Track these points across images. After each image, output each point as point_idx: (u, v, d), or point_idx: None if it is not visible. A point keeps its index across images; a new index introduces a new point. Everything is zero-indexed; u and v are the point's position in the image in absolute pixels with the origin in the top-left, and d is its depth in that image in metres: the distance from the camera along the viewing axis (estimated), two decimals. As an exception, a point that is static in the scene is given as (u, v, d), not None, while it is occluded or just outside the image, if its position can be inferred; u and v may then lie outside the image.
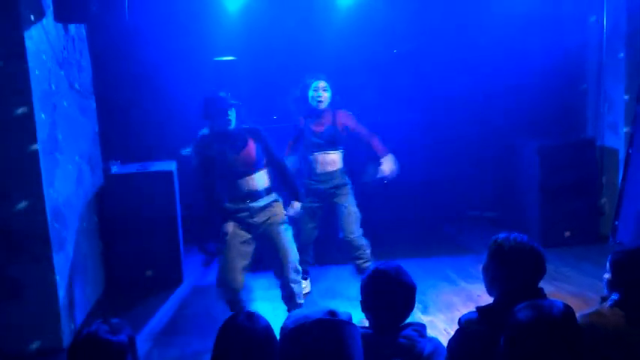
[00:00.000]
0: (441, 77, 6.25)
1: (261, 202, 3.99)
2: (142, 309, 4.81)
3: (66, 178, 4.47)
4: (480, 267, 2.47)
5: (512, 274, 2.31)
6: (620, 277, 2.33)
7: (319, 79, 4.61)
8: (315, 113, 4.64)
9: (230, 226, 3.97)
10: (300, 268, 4.11)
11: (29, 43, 3.91)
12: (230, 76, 5.97)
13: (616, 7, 5.74)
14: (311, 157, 4.70)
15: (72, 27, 4.80)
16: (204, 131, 4.13)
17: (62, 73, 4.54)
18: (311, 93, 4.62)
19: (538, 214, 5.86)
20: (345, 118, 4.71)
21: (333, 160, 4.66)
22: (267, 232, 4.02)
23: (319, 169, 4.69)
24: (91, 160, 5.18)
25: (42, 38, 4.14)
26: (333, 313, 1.85)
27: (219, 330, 1.97)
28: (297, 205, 4.19)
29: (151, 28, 5.70)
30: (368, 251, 4.65)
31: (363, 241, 4.66)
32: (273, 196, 4.08)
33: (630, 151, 5.62)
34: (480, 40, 6.17)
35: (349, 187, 4.77)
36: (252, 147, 3.97)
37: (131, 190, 5.18)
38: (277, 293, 4.62)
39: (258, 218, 3.99)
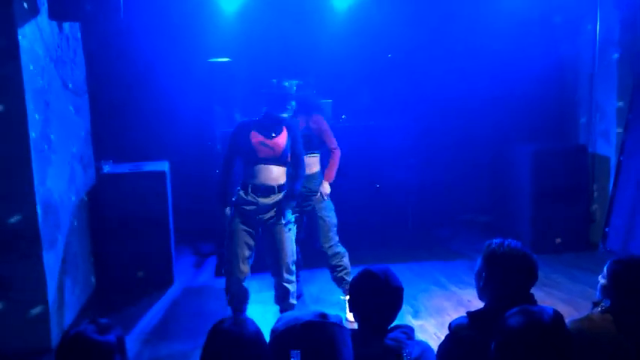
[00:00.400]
0: (435, 82, 6.28)
1: (271, 200, 3.97)
2: (133, 309, 4.79)
3: (58, 176, 4.44)
4: (472, 272, 2.48)
5: (505, 280, 2.32)
6: (616, 286, 2.34)
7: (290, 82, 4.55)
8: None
9: (236, 220, 3.99)
10: (294, 268, 4.10)
11: (23, 41, 3.89)
12: (224, 77, 5.96)
13: (609, 17, 5.79)
14: None
15: (66, 25, 4.78)
16: (245, 119, 4.16)
17: (56, 71, 4.52)
18: None
19: (529, 220, 5.89)
20: (319, 123, 4.65)
21: (308, 163, 4.53)
22: (269, 229, 4.02)
23: None
24: (84, 159, 5.16)
25: (36, 36, 4.12)
26: (323, 316, 1.85)
27: (208, 334, 1.95)
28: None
29: (146, 28, 5.70)
30: (345, 260, 4.55)
31: (340, 249, 4.56)
32: (283, 194, 4.03)
33: (621, 159, 5.66)
34: (474, 46, 6.20)
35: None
36: (284, 136, 3.96)
37: (123, 189, 5.16)
38: (268, 295, 4.62)
39: (265, 215, 3.99)
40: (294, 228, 4.08)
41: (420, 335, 2.36)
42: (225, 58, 5.80)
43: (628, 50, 5.66)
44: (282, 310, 4.09)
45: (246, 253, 4.01)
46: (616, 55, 5.75)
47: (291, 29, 5.97)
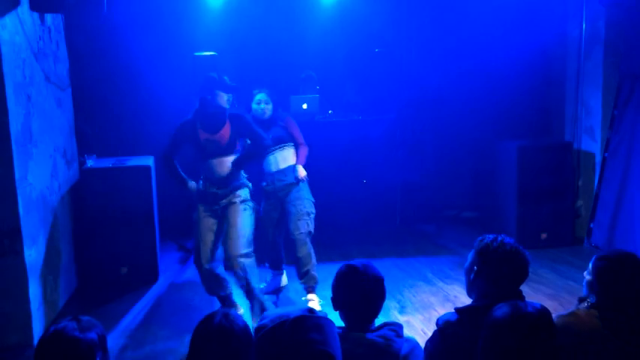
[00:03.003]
0: (422, 78, 6.28)
1: (228, 189, 4.15)
2: (117, 306, 4.74)
3: (40, 171, 4.37)
4: (458, 267, 2.47)
5: (496, 276, 2.31)
6: (601, 282, 2.34)
7: (261, 92, 4.75)
8: (261, 122, 4.65)
9: (200, 209, 4.19)
10: (249, 249, 4.08)
11: (3, 32, 3.81)
12: (210, 71, 5.90)
13: (594, 14, 5.82)
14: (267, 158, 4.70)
15: (48, 17, 4.70)
16: (187, 117, 4.25)
17: (37, 64, 4.44)
18: (254, 105, 4.74)
19: (515, 216, 5.91)
20: (291, 124, 4.81)
21: (284, 156, 4.71)
22: (226, 212, 4.15)
23: (273, 167, 4.73)
24: (67, 154, 5.08)
25: (16, 27, 4.04)
26: (311, 311, 1.83)
27: (196, 329, 1.93)
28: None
29: (131, 21, 5.62)
30: (313, 255, 4.56)
31: (309, 242, 4.57)
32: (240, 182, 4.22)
33: (606, 155, 5.70)
34: (460, 42, 6.21)
35: (301, 184, 4.72)
36: (227, 130, 4.10)
37: (107, 184, 5.09)
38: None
39: (223, 200, 4.15)
40: (249, 208, 4.18)
41: (406, 331, 2.35)
42: (211, 51, 5.75)
43: (613, 48, 5.69)
44: (247, 295, 4.12)
45: (211, 238, 4.14)
46: (601, 53, 5.78)
47: (277, 23, 5.94)
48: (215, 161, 4.12)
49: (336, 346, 1.83)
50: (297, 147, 4.81)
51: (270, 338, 1.80)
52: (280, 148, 4.73)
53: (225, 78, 4.13)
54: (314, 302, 4.48)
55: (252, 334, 1.92)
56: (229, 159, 4.13)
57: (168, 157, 4.25)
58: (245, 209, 4.14)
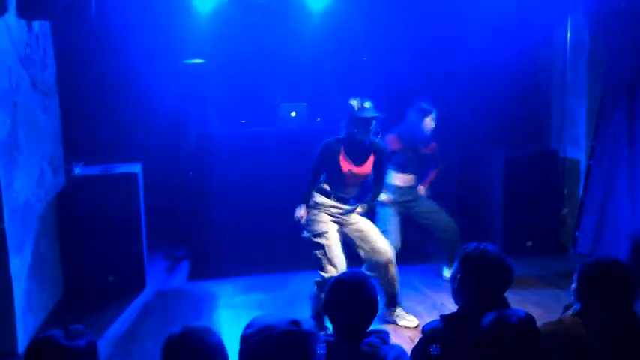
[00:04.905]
0: (409, 86, 6.30)
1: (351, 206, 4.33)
2: (103, 314, 4.70)
3: (26, 178, 4.34)
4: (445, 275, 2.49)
5: (479, 283, 2.34)
6: (584, 288, 2.37)
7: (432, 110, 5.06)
8: (422, 139, 5.07)
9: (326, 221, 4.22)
10: None
11: (-10, 39, 3.80)
12: (198, 79, 5.92)
13: (579, 25, 5.90)
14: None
15: (36, 24, 4.68)
16: (331, 139, 4.27)
17: (24, 70, 4.42)
18: (430, 122, 5.07)
19: (501, 223, 5.95)
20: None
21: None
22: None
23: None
24: (54, 161, 5.05)
25: (3, 34, 4.03)
26: (297, 323, 1.82)
27: (164, 347, 1.86)
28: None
29: (119, 28, 5.61)
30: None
31: None
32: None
33: (591, 164, 5.76)
34: (447, 50, 6.25)
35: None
36: (370, 162, 4.25)
37: (94, 192, 5.06)
38: (240, 300, 4.60)
39: (348, 217, 4.30)
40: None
41: (393, 338, 2.36)
42: (200, 59, 5.75)
43: (597, 58, 5.77)
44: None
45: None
46: (585, 63, 5.85)
47: (265, 31, 5.95)
48: (348, 187, 4.30)
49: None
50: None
51: (254, 351, 1.79)
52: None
53: (367, 105, 4.15)
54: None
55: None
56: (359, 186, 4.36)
57: (315, 176, 4.28)
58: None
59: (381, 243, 4.24)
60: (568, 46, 6.03)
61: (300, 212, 4.22)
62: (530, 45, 6.36)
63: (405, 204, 5.19)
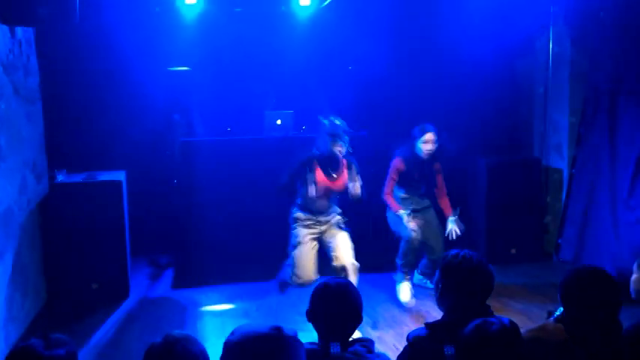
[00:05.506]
0: (394, 95, 6.34)
1: (329, 217, 4.54)
2: (87, 322, 4.66)
3: (8, 186, 4.29)
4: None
5: (460, 291, 2.35)
6: (566, 295, 2.40)
7: (430, 130, 5.03)
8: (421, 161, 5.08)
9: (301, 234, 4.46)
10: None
11: (-27, 45, 3.76)
12: (184, 86, 5.90)
13: (561, 34, 5.98)
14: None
15: (19, 30, 4.64)
16: (308, 154, 4.45)
17: (6, 77, 4.37)
18: (420, 145, 5.05)
19: (485, 231, 5.99)
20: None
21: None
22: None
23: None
24: (36, 168, 5.00)
25: (-14, 40, 3.99)
26: (278, 329, 1.82)
27: (146, 356, 1.84)
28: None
29: (104, 35, 5.58)
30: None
31: None
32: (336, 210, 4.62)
33: (573, 172, 5.83)
34: (431, 60, 6.30)
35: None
36: (344, 176, 4.41)
37: (77, 199, 5.02)
38: (227, 308, 4.56)
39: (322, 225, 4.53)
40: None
41: (378, 347, 2.36)
42: (185, 67, 5.74)
43: (578, 67, 5.86)
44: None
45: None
46: (567, 72, 5.94)
47: (251, 39, 5.96)
48: (322, 200, 4.47)
49: None
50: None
51: (232, 354, 1.78)
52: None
53: (337, 122, 4.34)
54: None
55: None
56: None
57: (289, 186, 4.49)
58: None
59: (346, 255, 4.42)
60: (550, 56, 6.11)
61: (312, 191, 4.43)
62: (513, 55, 6.44)
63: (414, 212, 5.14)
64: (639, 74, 5.19)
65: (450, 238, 5.03)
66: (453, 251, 2.42)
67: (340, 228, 4.56)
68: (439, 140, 5.11)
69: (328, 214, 4.54)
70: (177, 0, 5.65)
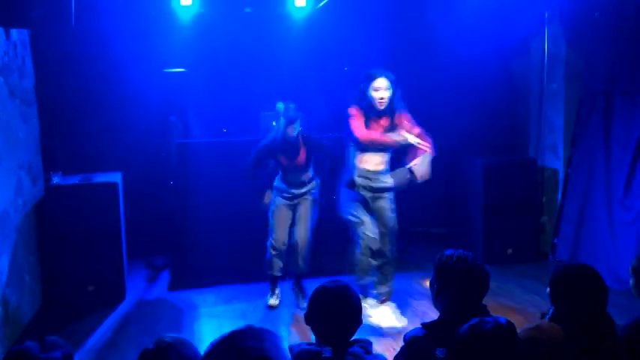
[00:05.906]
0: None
1: (303, 189, 4.92)
2: (83, 325, 4.65)
3: (3, 188, 4.28)
4: (426, 283, 2.51)
5: (456, 291, 2.35)
6: (556, 293, 2.41)
7: (381, 75, 4.27)
8: (376, 113, 4.32)
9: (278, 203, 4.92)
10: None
11: (-33, 47, 3.75)
12: (179, 87, 5.90)
13: (556, 35, 6.00)
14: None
15: (14, 32, 4.63)
16: (273, 137, 4.83)
17: (1, 78, 4.37)
18: (371, 92, 4.29)
19: (481, 231, 6.00)
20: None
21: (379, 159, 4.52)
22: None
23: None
24: (32, 170, 4.99)
25: (-19, 42, 3.98)
26: (252, 326, 1.79)
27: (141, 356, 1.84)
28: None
29: (100, 37, 5.58)
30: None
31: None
32: (313, 183, 4.97)
33: (569, 172, 5.85)
34: (427, 61, 6.31)
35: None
36: (303, 154, 4.79)
37: (73, 201, 5.01)
38: (223, 309, 4.55)
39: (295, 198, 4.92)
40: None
41: (375, 347, 2.37)
42: (181, 68, 5.73)
43: (573, 67, 5.88)
44: None
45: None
46: (562, 72, 5.95)
47: (247, 41, 5.96)
48: (294, 174, 4.91)
49: (280, 355, 1.77)
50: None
51: (210, 354, 1.76)
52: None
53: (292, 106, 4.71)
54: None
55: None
56: (306, 171, 4.91)
57: (255, 168, 4.95)
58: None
59: (298, 230, 4.89)
60: (545, 56, 6.13)
61: (265, 199, 5.03)
62: (509, 55, 6.46)
63: (370, 190, 4.48)
64: (633, 75, 5.22)
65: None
66: (449, 251, 2.43)
67: (313, 201, 4.93)
68: (394, 86, 4.28)
69: (301, 188, 4.89)
70: (173, 1, 5.65)
